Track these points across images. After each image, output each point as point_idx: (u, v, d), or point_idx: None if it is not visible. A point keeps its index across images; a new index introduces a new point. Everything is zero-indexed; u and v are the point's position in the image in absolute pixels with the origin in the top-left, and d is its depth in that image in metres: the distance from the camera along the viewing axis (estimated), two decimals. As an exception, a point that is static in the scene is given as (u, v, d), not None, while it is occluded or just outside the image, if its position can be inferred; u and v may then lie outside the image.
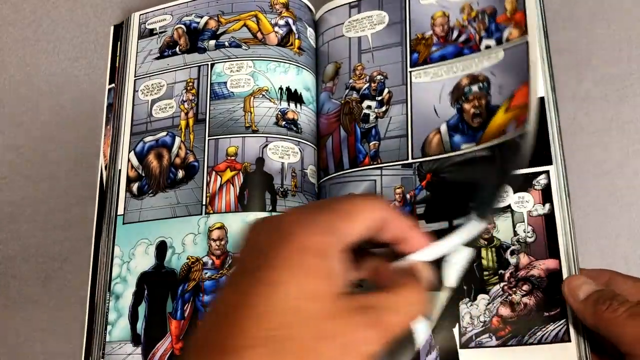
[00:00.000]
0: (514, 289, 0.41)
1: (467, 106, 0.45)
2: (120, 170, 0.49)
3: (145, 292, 0.45)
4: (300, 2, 0.50)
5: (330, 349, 0.25)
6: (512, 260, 0.41)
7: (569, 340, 0.39)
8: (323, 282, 0.26)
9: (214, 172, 0.46)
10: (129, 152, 0.49)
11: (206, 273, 0.44)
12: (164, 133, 0.49)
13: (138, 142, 0.49)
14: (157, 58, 0.50)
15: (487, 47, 0.45)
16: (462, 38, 0.46)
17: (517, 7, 0.44)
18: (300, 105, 0.48)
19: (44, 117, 0.52)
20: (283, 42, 0.49)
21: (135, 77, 0.51)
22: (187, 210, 0.46)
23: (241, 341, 0.24)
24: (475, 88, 0.45)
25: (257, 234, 0.29)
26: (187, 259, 0.45)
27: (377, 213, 0.30)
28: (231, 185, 0.45)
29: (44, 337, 0.50)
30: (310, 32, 0.50)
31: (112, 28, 0.50)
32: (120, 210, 0.48)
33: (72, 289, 0.49)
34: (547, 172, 0.42)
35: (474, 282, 0.41)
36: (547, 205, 0.42)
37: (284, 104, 0.47)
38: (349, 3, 0.50)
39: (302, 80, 0.49)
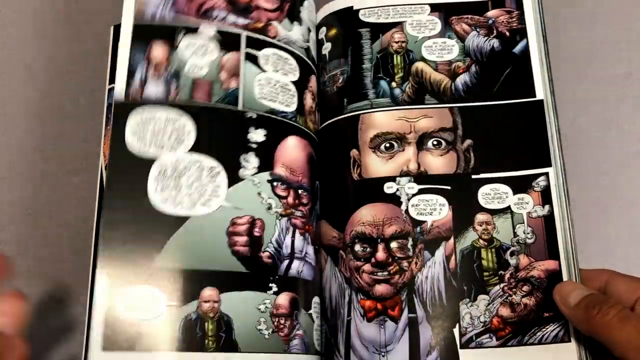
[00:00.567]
0: (514, 290, 0.41)
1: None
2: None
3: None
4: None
5: None
6: (512, 261, 0.41)
7: (569, 341, 0.39)
8: None
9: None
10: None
11: None
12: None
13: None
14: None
15: None
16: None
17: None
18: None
19: (44, 117, 0.52)
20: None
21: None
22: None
23: None
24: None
25: None
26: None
27: None
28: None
29: (44, 337, 0.50)
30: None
31: (112, 28, 0.49)
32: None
33: (72, 289, 0.49)
34: (547, 174, 0.43)
35: (474, 282, 0.41)
36: (547, 207, 0.42)
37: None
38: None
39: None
